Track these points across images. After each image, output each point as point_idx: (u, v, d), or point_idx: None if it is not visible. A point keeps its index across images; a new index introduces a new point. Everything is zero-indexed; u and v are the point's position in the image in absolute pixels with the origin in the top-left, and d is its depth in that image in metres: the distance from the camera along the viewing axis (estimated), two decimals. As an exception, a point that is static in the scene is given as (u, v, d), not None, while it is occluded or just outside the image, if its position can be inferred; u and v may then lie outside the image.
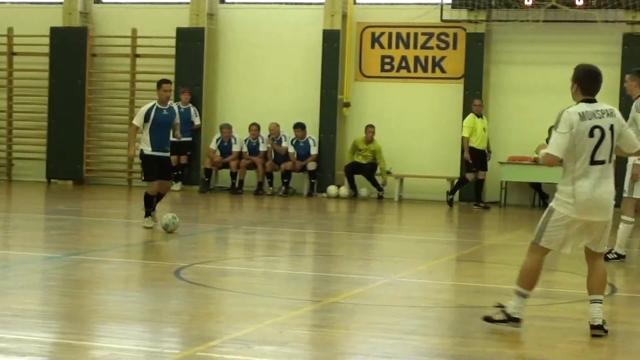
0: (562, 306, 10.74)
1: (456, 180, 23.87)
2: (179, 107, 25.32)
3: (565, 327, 9.56)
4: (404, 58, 25.37)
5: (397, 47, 25.40)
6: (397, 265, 13.73)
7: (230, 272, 12.84)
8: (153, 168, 16.26)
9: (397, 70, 25.38)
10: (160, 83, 16.47)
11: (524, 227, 19.32)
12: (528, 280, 9.17)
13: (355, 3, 25.68)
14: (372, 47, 25.58)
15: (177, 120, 16.66)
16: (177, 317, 9.38)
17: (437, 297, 11.35)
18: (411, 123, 25.16)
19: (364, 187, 24.91)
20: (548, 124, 23.09)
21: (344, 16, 25.35)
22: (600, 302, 9.02)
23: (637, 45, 23.41)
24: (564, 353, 8.34)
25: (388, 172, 24.70)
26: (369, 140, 24.62)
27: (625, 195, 13.87)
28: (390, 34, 25.45)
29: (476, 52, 24.52)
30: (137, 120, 16.39)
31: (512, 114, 23.81)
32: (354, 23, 25.54)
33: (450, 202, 23.41)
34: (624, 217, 13.89)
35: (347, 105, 25.50)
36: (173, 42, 26.10)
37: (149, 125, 16.23)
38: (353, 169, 24.82)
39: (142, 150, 16.34)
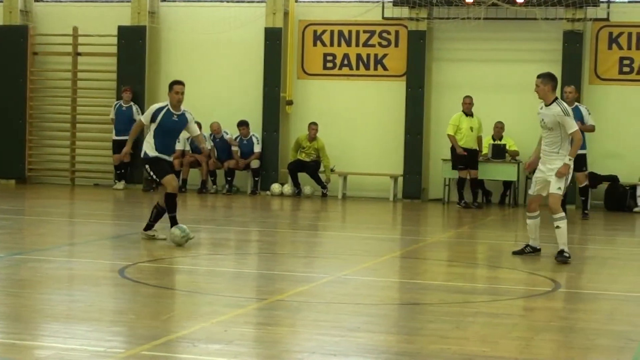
0: (505, 302, 10.82)
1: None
2: (120, 107, 25.32)
3: (509, 323, 9.64)
4: (346, 56, 25.41)
5: (339, 45, 25.44)
6: (341, 263, 13.76)
7: (174, 270, 12.82)
8: (163, 165, 14.73)
9: (340, 68, 25.42)
10: (172, 85, 14.82)
11: (467, 224, 19.47)
12: None
13: (297, 1, 25.68)
14: (314, 45, 25.60)
15: (196, 130, 15.36)
16: (122, 316, 9.35)
17: (381, 294, 11.39)
18: (354, 120, 25.21)
19: (308, 185, 24.92)
20: (489, 120, 23.37)
21: (286, 14, 25.36)
22: None
23: (577, 43, 23.65)
24: (507, 349, 8.40)
25: (332, 170, 24.74)
26: (312, 138, 24.64)
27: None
28: (332, 32, 25.49)
29: (418, 49, 24.62)
30: (145, 118, 14.74)
31: (454, 110, 23.90)
32: (295, 21, 25.55)
33: (464, 205, 22.99)
34: (530, 214, 14.37)
35: (290, 103, 25.50)
36: (115, 40, 25.98)
37: (154, 127, 14.64)
38: (296, 167, 24.83)
39: (145, 153, 14.67)
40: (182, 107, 14.85)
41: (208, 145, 25.02)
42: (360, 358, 8.00)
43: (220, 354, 7.74)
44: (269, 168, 25.36)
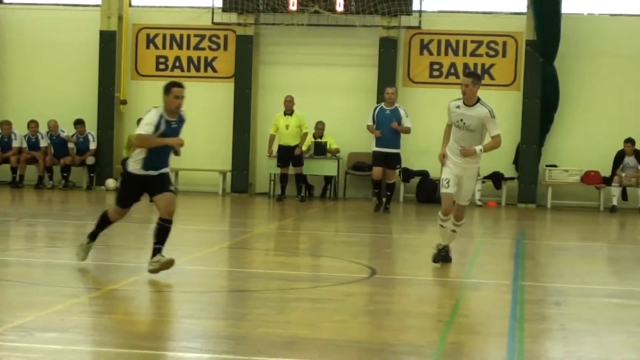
0: (326, 288, 10.95)
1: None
2: None
3: (329, 307, 9.76)
4: (177, 58, 25.26)
5: (172, 47, 25.27)
6: (173, 253, 13.60)
7: (11, 263, 12.53)
8: (129, 196, 11.92)
9: (172, 70, 25.24)
10: (169, 87, 11.78)
11: (291, 216, 19.59)
12: None
13: (130, 5, 25.37)
14: (148, 47, 25.36)
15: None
16: (-41, 308, 9.11)
17: (210, 283, 11.39)
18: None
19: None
20: (312, 119, 23.53)
21: (120, 18, 25.03)
22: None
23: (392, 49, 24.06)
24: (327, 331, 8.51)
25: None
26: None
27: None
28: (164, 36, 25.29)
29: (246, 53, 24.64)
30: (147, 129, 11.44)
31: (280, 110, 24.02)
32: (129, 24, 25.26)
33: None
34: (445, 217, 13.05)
35: (124, 102, 25.20)
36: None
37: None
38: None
39: (127, 166, 11.86)
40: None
41: (44, 142, 24.58)
42: (190, 343, 7.99)
43: (56, 342, 7.62)
44: (103, 164, 25.00)
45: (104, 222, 11.95)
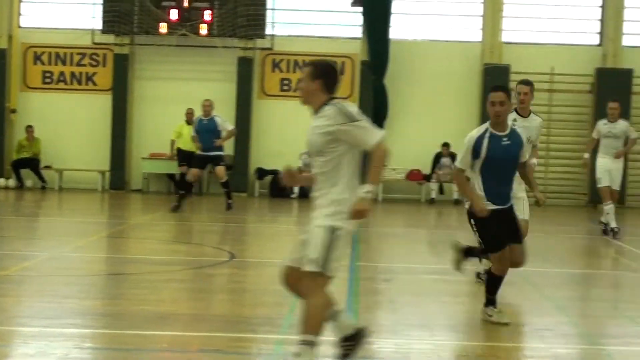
0: (192, 271, 10.87)
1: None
2: None
3: (195, 287, 9.72)
4: (62, 73, 24.65)
5: (56, 64, 24.66)
6: (58, 243, 13.37)
7: None
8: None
9: (57, 83, 24.64)
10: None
11: (161, 209, 19.34)
12: (319, 325, 6.05)
13: (19, 27, 24.69)
14: (35, 63, 24.67)
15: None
16: None
17: (91, 267, 11.19)
18: (69, 126, 24.48)
19: (30, 179, 24.05)
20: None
21: (10, 37, 24.33)
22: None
23: (248, 66, 24.07)
24: (193, 307, 8.48)
25: (47, 167, 24.01)
26: (31, 139, 23.84)
27: None
28: (50, 53, 24.65)
29: (122, 69, 24.26)
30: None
31: (154, 119, 23.71)
32: (19, 43, 24.57)
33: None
34: None
35: (14, 111, 24.50)
36: None
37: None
38: (19, 164, 23.89)
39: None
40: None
41: None
42: (73, 320, 7.84)
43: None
44: (-5, 165, 24.28)
45: None
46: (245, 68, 24.14)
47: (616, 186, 15.65)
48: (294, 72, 24.39)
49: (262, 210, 21.13)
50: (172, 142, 22.76)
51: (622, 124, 15.66)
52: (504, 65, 23.53)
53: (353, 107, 6.13)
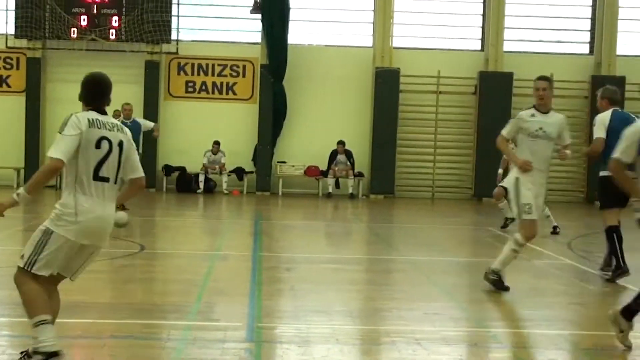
0: (104, 262, 10.69)
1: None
2: None
3: (107, 277, 9.59)
4: (-22, 75, 24.08)
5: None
6: (-26, 238, 13.03)
7: None
8: None
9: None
10: None
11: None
12: (39, 305, 5.92)
13: None
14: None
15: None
16: None
17: (6, 259, 10.87)
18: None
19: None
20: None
21: None
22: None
23: (155, 70, 23.85)
24: (106, 296, 8.36)
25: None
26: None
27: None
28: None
29: (35, 72, 23.74)
30: None
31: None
32: None
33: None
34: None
35: None
36: None
37: None
38: None
39: None
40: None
41: None
42: (-11, 311, 7.66)
43: None
44: None
45: None
46: (152, 71, 23.90)
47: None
48: (198, 75, 24.28)
49: (169, 205, 20.93)
50: None
51: None
52: (395, 68, 23.84)
53: (70, 121, 6.09)
